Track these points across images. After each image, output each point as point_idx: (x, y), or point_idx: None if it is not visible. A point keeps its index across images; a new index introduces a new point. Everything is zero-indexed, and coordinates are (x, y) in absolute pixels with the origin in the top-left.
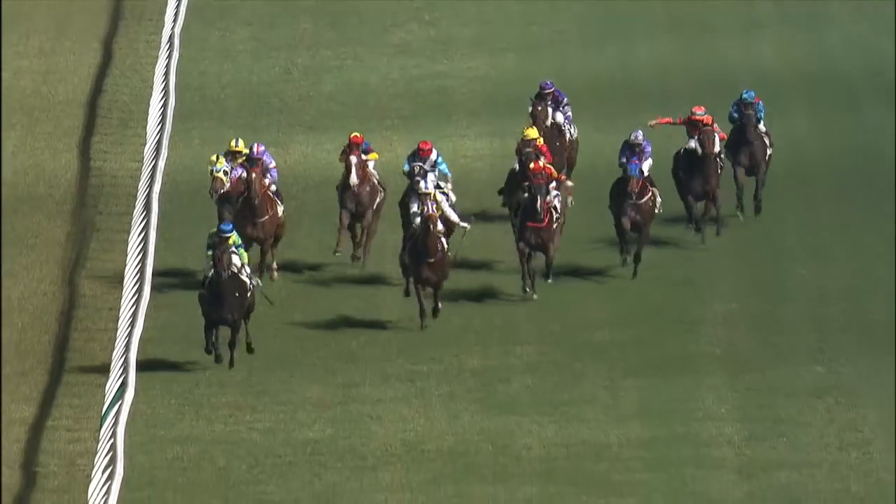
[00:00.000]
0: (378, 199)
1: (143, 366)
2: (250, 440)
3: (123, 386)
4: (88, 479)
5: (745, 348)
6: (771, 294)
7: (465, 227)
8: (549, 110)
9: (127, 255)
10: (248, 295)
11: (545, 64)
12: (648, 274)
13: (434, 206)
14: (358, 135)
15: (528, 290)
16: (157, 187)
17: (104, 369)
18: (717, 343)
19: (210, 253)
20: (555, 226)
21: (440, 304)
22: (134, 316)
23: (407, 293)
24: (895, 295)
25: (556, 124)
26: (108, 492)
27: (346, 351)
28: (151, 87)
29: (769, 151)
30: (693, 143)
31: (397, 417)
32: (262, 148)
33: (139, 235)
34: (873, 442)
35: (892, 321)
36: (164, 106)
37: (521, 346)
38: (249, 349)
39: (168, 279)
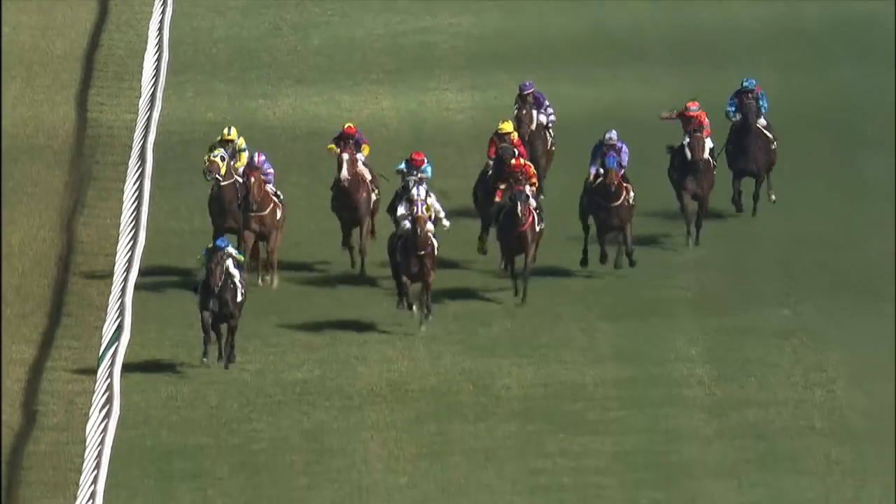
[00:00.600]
0: (373, 200)
1: (138, 309)
2: (242, 380)
3: (119, 328)
4: (86, 417)
5: (715, 293)
6: (740, 241)
7: (446, 226)
8: (534, 113)
9: (123, 203)
10: (241, 298)
11: (526, 20)
12: None
13: (423, 207)
14: (352, 126)
15: (518, 294)
16: (151, 138)
17: (101, 312)
18: (688, 288)
19: (204, 264)
20: (537, 229)
21: (431, 308)
22: (129, 261)
23: (400, 304)
24: (859, 241)
25: (540, 126)
26: (104, 429)
27: (333, 296)
28: (146, 42)
29: (773, 147)
30: (687, 139)
31: (382, 359)
32: (263, 157)
33: (134, 184)
34: (837, 381)
35: (856, 266)
36: (158, 60)
37: (502, 291)
38: (231, 358)
39: (162, 225)
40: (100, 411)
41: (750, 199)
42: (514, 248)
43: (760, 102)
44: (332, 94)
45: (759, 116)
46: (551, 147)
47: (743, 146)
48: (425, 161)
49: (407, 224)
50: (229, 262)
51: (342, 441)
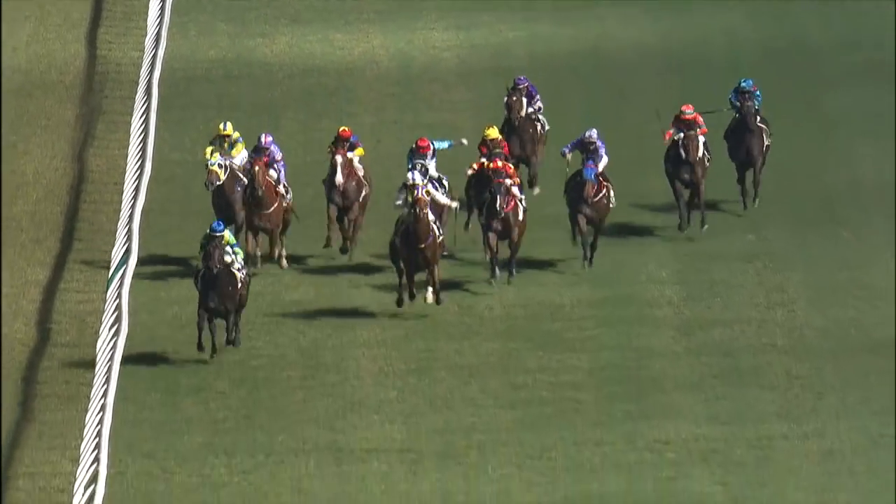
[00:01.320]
0: (364, 193)
1: (145, 235)
2: None
3: (128, 252)
4: (96, 335)
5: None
6: (709, 173)
7: (455, 207)
8: (524, 101)
9: (130, 135)
10: (241, 287)
11: None
12: None
13: (423, 190)
14: (346, 129)
15: (493, 279)
16: (156, 74)
17: (110, 237)
18: (658, 214)
19: (202, 250)
20: (520, 215)
21: (439, 295)
22: (137, 189)
23: (400, 303)
24: (819, 171)
25: (529, 115)
26: (113, 346)
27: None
28: None
29: (767, 143)
30: (681, 135)
31: (373, 283)
32: (270, 139)
33: (141, 117)
34: (797, 301)
35: (816, 195)
36: (163, 0)
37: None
38: (236, 342)
39: (167, 156)
40: (109, 329)
41: (750, 186)
42: (498, 234)
43: (756, 101)
44: (327, 32)
45: (757, 115)
46: (542, 135)
47: (743, 137)
48: (430, 145)
49: (405, 210)
50: (227, 249)
51: (336, 357)
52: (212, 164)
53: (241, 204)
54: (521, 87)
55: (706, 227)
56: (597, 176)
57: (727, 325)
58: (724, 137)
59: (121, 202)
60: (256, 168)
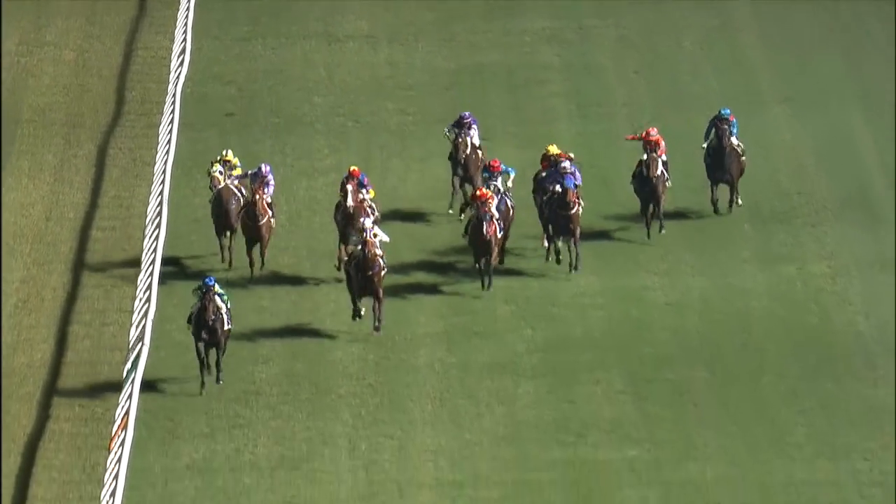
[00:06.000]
0: (373, 220)
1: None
2: None
3: (169, 142)
4: None
5: None
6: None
7: (386, 240)
8: (469, 138)
9: (175, 29)
10: (227, 330)
11: None
12: None
13: (371, 233)
14: (355, 168)
15: (485, 287)
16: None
17: (160, 102)
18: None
19: (197, 300)
20: (499, 236)
21: (382, 320)
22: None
23: (354, 316)
24: None
25: (475, 147)
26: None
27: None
28: None
29: (743, 160)
30: (644, 156)
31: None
32: (268, 168)
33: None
34: None
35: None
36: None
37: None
38: (217, 379)
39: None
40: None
41: (724, 203)
42: (480, 252)
43: (732, 128)
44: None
45: (731, 137)
46: (482, 163)
47: (719, 161)
48: (501, 165)
49: (358, 249)
50: (217, 298)
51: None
52: (213, 171)
53: (236, 215)
54: (466, 121)
55: (663, 230)
56: (575, 185)
57: None
58: (703, 160)
59: (169, 73)
60: (257, 196)
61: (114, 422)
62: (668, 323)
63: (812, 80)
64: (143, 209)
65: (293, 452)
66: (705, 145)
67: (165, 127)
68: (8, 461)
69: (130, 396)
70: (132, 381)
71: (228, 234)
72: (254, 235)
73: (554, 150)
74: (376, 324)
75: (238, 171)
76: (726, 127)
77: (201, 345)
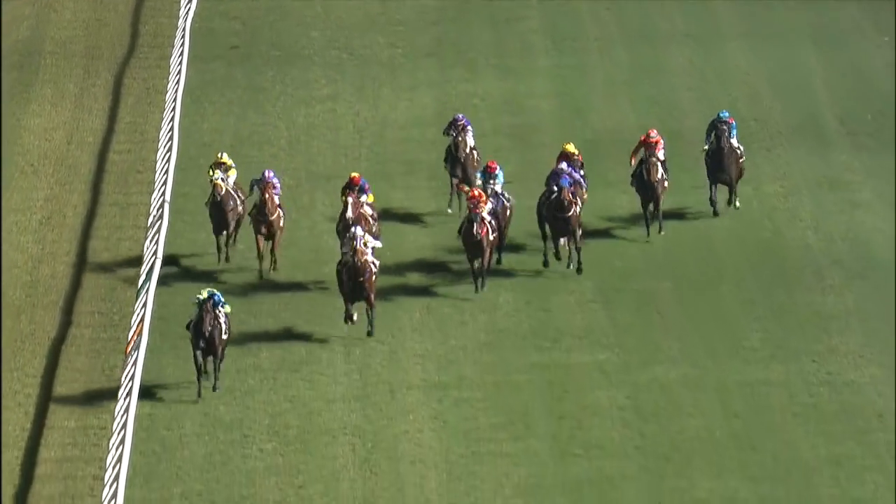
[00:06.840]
0: (374, 229)
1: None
2: None
3: (180, 72)
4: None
5: None
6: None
7: (378, 246)
8: (466, 139)
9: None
10: (225, 338)
11: None
12: None
13: (361, 241)
14: (356, 175)
15: (478, 289)
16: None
17: (171, 36)
18: None
19: (198, 310)
20: (492, 236)
21: (374, 325)
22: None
23: (346, 320)
24: None
25: (472, 148)
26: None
27: None
28: None
29: (742, 161)
30: (644, 162)
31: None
32: (272, 173)
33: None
34: None
35: None
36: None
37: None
38: (214, 388)
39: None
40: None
41: (723, 202)
42: (472, 253)
43: (732, 130)
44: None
45: (730, 138)
46: (479, 164)
47: (718, 162)
48: (497, 167)
49: (349, 256)
50: (218, 309)
51: None
52: (216, 178)
53: (234, 217)
54: (461, 123)
55: (663, 231)
56: (570, 184)
57: None
58: (704, 161)
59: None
60: (266, 195)
61: (130, 328)
62: (636, 238)
63: (768, 18)
64: (156, 134)
65: (293, 356)
66: (706, 147)
67: (176, 59)
68: (34, 363)
69: (145, 305)
70: (146, 291)
71: (225, 234)
72: (265, 232)
73: (571, 148)
74: (369, 328)
75: (233, 172)
76: (725, 129)
77: (199, 353)
